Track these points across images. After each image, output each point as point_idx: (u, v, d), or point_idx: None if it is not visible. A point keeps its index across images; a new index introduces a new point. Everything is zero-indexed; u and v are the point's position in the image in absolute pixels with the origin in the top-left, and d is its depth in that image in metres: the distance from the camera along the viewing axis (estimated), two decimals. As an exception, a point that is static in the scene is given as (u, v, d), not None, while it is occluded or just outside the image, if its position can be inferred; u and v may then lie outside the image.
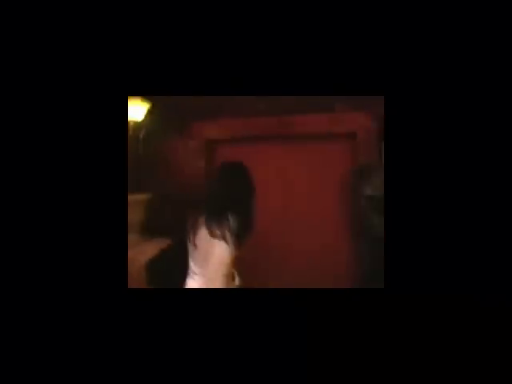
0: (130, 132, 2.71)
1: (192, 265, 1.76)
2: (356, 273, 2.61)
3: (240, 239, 1.65)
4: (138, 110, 2.70)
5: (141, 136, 2.88)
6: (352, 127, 2.51)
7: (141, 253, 2.19)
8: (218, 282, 1.62)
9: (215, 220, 1.65)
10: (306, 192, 2.70)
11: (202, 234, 1.69)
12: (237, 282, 1.81)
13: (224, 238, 1.61)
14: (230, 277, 1.73)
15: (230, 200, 1.70)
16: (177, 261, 1.90)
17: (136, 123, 2.77)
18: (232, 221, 1.64)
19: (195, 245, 1.73)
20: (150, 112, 2.77)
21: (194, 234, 1.73)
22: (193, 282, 1.74)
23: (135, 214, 2.38)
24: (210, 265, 1.64)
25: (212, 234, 1.64)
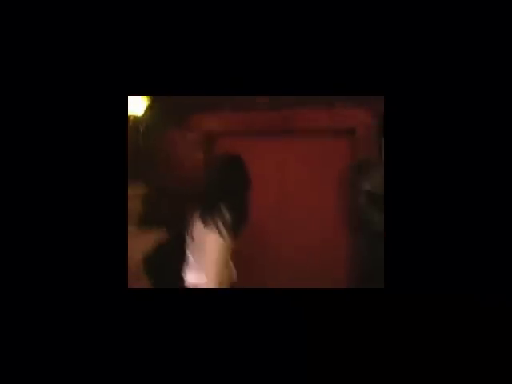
0: (130, 123, 2.72)
1: (190, 256, 1.77)
2: (354, 268, 2.61)
3: (234, 231, 1.66)
4: (138, 104, 2.73)
5: (141, 129, 2.88)
6: (352, 123, 2.51)
7: (138, 244, 2.19)
8: (213, 274, 1.62)
9: (209, 212, 1.66)
10: (304, 187, 2.70)
11: (198, 225, 1.70)
12: (234, 275, 1.81)
13: (218, 230, 1.62)
14: (227, 268, 1.74)
15: (224, 192, 1.70)
16: (175, 253, 1.91)
17: (136, 117, 2.80)
18: (226, 213, 1.64)
19: (192, 237, 1.74)
20: (149, 106, 2.78)
21: (192, 226, 1.74)
22: (190, 274, 1.75)
23: (133, 206, 2.36)
24: (205, 256, 1.66)
25: (206, 226, 1.66)
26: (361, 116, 2.53)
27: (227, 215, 1.64)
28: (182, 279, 1.79)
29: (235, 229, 1.66)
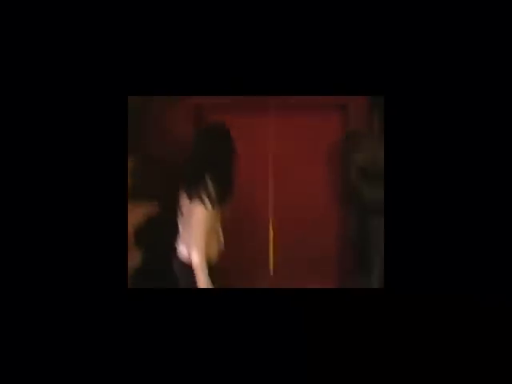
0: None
1: (180, 228, 1.79)
2: (345, 241, 2.60)
3: (219, 202, 1.67)
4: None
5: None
6: (343, 98, 2.48)
7: (129, 218, 2.18)
8: (199, 245, 1.64)
9: (194, 183, 1.68)
10: (295, 161, 2.66)
11: (185, 198, 1.72)
12: (222, 245, 1.83)
13: (202, 201, 1.63)
14: (214, 239, 1.76)
15: (209, 162, 1.70)
16: (166, 225, 1.93)
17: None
18: (210, 184, 1.65)
19: (181, 209, 1.76)
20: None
21: (180, 198, 1.76)
22: (181, 246, 1.77)
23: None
24: (192, 228, 1.67)
25: (190, 198, 1.67)
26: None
27: (211, 186, 1.64)
28: (174, 251, 1.81)
29: (220, 200, 1.67)
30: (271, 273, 2.57)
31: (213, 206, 1.65)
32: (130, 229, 2.17)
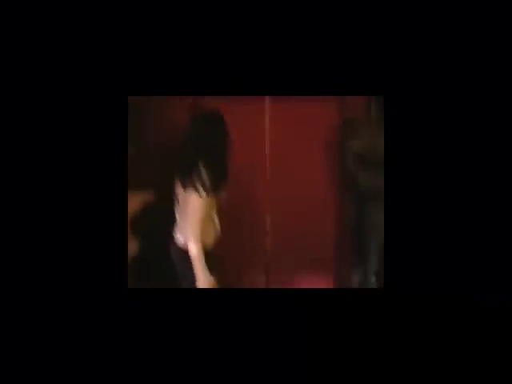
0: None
1: (177, 216, 1.80)
2: (342, 227, 2.59)
3: (214, 189, 1.68)
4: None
5: None
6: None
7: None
8: (195, 233, 1.66)
9: (187, 171, 1.68)
10: (292, 148, 2.64)
11: (179, 185, 1.73)
12: (218, 231, 1.83)
13: (195, 189, 1.64)
14: (210, 226, 1.77)
15: (202, 149, 1.71)
16: (163, 214, 1.94)
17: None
18: (203, 171, 1.65)
19: (177, 198, 1.77)
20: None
21: (175, 186, 1.77)
22: (179, 234, 1.78)
23: None
24: (187, 215, 1.69)
25: (184, 186, 1.68)
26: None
27: (205, 174, 1.65)
28: (172, 239, 1.81)
29: (215, 187, 1.68)
30: (268, 259, 2.56)
31: (207, 194, 1.65)
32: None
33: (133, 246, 2.21)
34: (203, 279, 1.67)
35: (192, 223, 1.67)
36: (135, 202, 2.22)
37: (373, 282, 2.22)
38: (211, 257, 1.75)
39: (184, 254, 1.71)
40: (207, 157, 1.69)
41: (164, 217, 1.91)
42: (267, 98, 2.60)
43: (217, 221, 1.83)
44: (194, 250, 1.66)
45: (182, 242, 1.74)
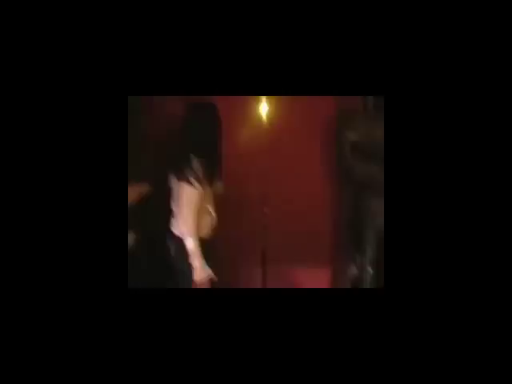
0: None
1: (173, 206, 1.81)
2: (338, 217, 2.58)
3: (208, 180, 1.68)
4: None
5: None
6: None
7: None
8: (189, 221, 1.67)
9: (180, 163, 1.68)
10: (289, 138, 2.62)
11: (174, 178, 1.74)
12: (214, 221, 1.83)
13: (188, 181, 1.64)
14: (205, 217, 1.77)
15: (194, 141, 1.71)
16: (159, 206, 1.93)
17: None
18: (196, 163, 1.65)
19: (171, 188, 1.78)
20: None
21: (170, 178, 1.78)
22: (174, 223, 1.79)
23: None
24: (181, 209, 1.70)
25: (177, 177, 1.68)
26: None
27: (197, 166, 1.65)
28: (169, 230, 1.82)
29: (208, 179, 1.68)
30: (265, 251, 2.55)
31: (201, 185, 1.65)
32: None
33: (129, 238, 2.20)
34: (200, 271, 1.68)
35: (187, 215, 1.67)
36: (131, 193, 2.21)
37: (370, 272, 2.22)
38: (209, 248, 1.75)
39: (181, 246, 1.71)
40: (200, 148, 1.69)
41: (161, 208, 1.91)
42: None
43: (213, 213, 1.83)
44: (191, 243, 1.67)
45: (179, 235, 1.74)
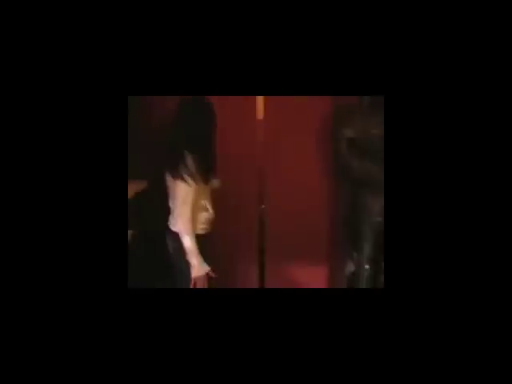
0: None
1: (170, 203, 1.81)
2: (335, 214, 2.58)
3: (202, 177, 1.68)
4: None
5: None
6: None
7: None
8: (186, 219, 1.67)
9: (174, 160, 1.68)
10: (284, 134, 2.61)
11: (169, 175, 1.74)
12: (211, 217, 1.83)
13: (182, 177, 1.64)
14: (202, 214, 1.78)
15: (187, 136, 1.70)
16: (156, 203, 1.95)
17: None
18: (190, 159, 1.64)
19: (167, 184, 1.78)
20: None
21: (166, 174, 1.78)
22: (172, 221, 1.79)
23: None
24: (176, 203, 1.70)
25: (172, 174, 1.68)
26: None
27: (191, 162, 1.64)
28: (167, 228, 1.82)
29: (203, 175, 1.68)
30: (262, 248, 2.54)
31: (195, 182, 1.65)
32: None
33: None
34: (198, 268, 1.68)
35: (182, 213, 1.67)
36: (129, 190, 2.21)
37: (367, 269, 2.23)
38: (206, 245, 1.76)
39: (179, 243, 1.71)
40: (194, 145, 1.68)
41: (158, 207, 1.91)
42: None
43: (211, 209, 1.82)
44: (188, 241, 1.67)
45: (177, 232, 1.74)
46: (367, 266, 2.22)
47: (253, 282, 2.51)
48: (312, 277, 2.51)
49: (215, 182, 1.84)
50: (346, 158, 2.24)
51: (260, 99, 2.52)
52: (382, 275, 2.15)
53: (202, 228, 1.77)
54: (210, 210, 1.82)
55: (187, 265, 1.70)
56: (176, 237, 1.74)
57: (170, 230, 1.80)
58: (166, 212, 1.85)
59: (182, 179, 1.64)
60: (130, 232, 2.21)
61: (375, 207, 2.15)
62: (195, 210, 1.70)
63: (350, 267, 2.37)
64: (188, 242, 1.68)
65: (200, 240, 1.71)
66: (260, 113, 2.53)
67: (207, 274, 1.71)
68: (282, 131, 2.51)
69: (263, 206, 2.52)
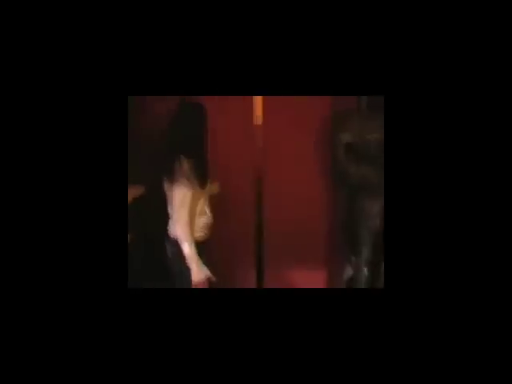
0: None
1: (168, 208, 1.81)
2: (333, 219, 2.58)
3: (199, 182, 1.68)
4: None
5: None
6: None
7: None
8: (184, 224, 1.68)
9: (170, 165, 1.68)
10: (283, 138, 2.61)
11: (166, 180, 1.74)
12: (210, 221, 1.83)
13: (178, 182, 1.64)
14: (202, 218, 1.78)
15: (181, 141, 1.70)
16: (154, 208, 1.95)
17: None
18: (186, 164, 1.65)
19: (165, 189, 1.78)
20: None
21: (163, 179, 1.78)
22: (170, 223, 1.79)
23: None
24: (174, 208, 1.70)
25: (168, 179, 1.69)
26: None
27: (187, 167, 1.65)
28: (166, 233, 1.82)
29: (199, 180, 1.68)
30: (261, 252, 2.54)
31: (192, 187, 1.65)
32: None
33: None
34: (198, 272, 1.68)
35: (180, 218, 1.67)
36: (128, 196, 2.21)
37: (365, 273, 2.23)
38: (205, 249, 1.75)
39: (178, 248, 1.71)
40: (189, 150, 1.69)
41: (157, 212, 1.91)
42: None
43: (209, 213, 1.82)
44: (186, 247, 1.67)
45: (175, 237, 1.74)
46: (365, 270, 2.23)
47: (250, 287, 2.51)
48: (310, 281, 2.51)
49: (213, 187, 1.84)
50: (343, 164, 2.25)
51: (258, 104, 2.52)
52: (380, 278, 2.16)
53: (200, 234, 1.77)
54: (209, 215, 1.82)
55: (187, 270, 1.70)
56: (175, 242, 1.74)
57: (168, 235, 1.80)
58: (164, 218, 1.84)
59: (179, 184, 1.64)
60: (129, 236, 2.22)
61: (373, 211, 2.16)
62: (194, 215, 1.70)
63: (349, 271, 2.37)
64: (187, 249, 1.67)
65: (199, 245, 1.71)
66: (258, 118, 2.53)
67: (208, 278, 1.71)
68: (280, 137, 2.51)
69: (261, 211, 2.51)
